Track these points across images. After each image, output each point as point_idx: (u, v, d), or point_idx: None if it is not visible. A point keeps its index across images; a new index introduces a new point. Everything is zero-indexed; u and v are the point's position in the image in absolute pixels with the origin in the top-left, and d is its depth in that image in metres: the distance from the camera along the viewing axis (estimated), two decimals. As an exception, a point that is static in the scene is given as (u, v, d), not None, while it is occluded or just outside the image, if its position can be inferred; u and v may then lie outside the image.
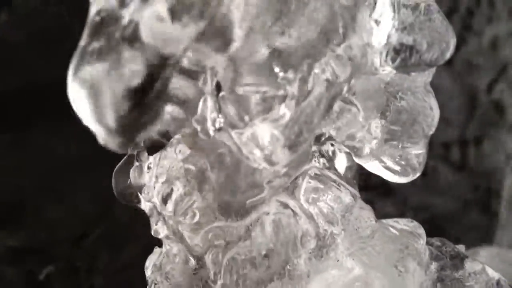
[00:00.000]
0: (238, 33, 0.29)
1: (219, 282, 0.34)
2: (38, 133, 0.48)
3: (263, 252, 0.33)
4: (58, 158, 0.48)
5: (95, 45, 0.26)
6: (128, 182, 0.36)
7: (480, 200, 0.72)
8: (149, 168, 0.35)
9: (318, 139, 0.37)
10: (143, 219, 0.38)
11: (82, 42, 0.27)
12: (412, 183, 0.71)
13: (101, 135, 0.27)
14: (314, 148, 0.37)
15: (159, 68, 0.27)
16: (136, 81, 0.26)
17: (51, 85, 0.39)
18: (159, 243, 0.38)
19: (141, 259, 0.39)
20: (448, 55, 0.31)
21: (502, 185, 0.70)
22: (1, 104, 0.46)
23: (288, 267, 0.34)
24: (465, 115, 0.69)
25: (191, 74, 0.31)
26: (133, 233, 0.43)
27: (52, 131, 0.48)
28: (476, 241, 0.68)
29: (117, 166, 0.36)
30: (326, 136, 0.37)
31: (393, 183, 0.72)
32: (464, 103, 0.69)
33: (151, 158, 0.35)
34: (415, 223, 0.39)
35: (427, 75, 0.34)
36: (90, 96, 0.27)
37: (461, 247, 0.42)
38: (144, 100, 0.27)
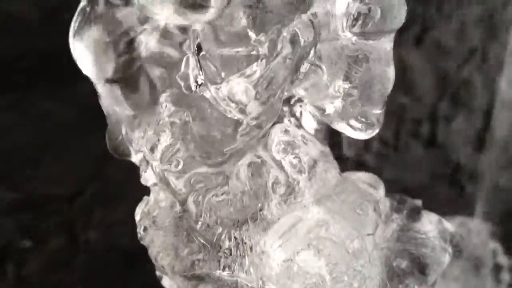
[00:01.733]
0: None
1: (200, 222, 0.38)
2: (38, 96, 0.51)
3: (239, 196, 0.38)
4: (57, 119, 0.52)
5: (92, 7, 0.31)
6: (120, 137, 0.40)
7: (449, 174, 0.76)
8: (138, 123, 0.39)
9: (289, 101, 0.42)
10: (135, 178, 0.42)
11: (81, 5, 0.31)
12: (385, 157, 0.76)
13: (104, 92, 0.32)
14: (285, 108, 0.42)
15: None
16: (128, 38, 0.31)
17: (51, 52, 0.42)
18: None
19: (132, 215, 0.43)
20: (399, 22, 0.36)
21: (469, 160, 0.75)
22: (5, 68, 0.50)
23: (260, 210, 0.39)
24: (435, 93, 0.74)
25: (175, 37, 0.36)
26: (125, 190, 0.47)
27: (51, 94, 0.52)
28: (444, 212, 0.73)
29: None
30: (296, 98, 0.42)
31: (367, 157, 0.77)
32: (434, 83, 0.73)
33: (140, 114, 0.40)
34: (376, 177, 0.44)
35: (384, 42, 0.38)
36: (90, 53, 0.32)
37: (418, 202, 0.47)
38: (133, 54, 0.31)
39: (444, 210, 0.76)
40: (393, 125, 0.71)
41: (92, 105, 0.39)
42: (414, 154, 0.74)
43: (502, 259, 0.76)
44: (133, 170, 0.42)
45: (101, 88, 0.34)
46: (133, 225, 0.42)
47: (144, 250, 0.41)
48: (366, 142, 0.70)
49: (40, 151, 0.53)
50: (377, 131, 0.41)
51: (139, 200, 0.43)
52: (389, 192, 0.45)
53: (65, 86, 0.49)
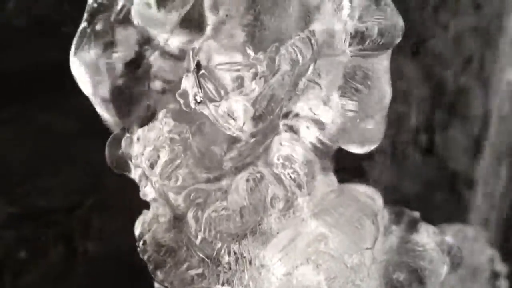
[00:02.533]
0: (211, 17, 0.33)
1: (200, 237, 0.39)
2: (38, 109, 0.52)
3: (238, 210, 0.38)
4: (56, 132, 0.53)
5: (93, 27, 0.31)
6: (120, 152, 0.41)
7: (446, 182, 0.77)
8: (138, 139, 0.40)
9: (287, 115, 0.42)
10: (133, 189, 0.42)
11: (82, 25, 0.32)
12: (383, 166, 0.76)
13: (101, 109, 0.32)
14: (284, 122, 0.42)
15: (147, 47, 0.32)
16: (127, 59, 0.31)
17: (51, 65, 0.43)
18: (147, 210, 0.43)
19: (131, 226, 0.43)
20: (396, 40, 0.36)
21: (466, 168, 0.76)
22: (6, 81, 0.50)
23: (259, 224, 0.39)
24: (432, 102, 0.74)
25: (176, 56, 0.36)
26: (123, 201, 0.48)
27: (51, 108, 0.52)
28: (442, 220, 0.73)
29: (109, 138, 0.41)
30: (294, 113, 0.42)
31: (366, 165, 0.77)
32: (431, 92, 0.74)
33: (139, 130, 0.40)
34: (373, 189, 0.44)
35: (381, 58, 0.39)
36: (88, 72, 0.32)
37: (416, 214, 0.47)
38: (134, 75, 0.32)
39: (441, 217, 0.77)
40: (391, 133, 0.71)
41: (90, 117, 0.39)
42: (411, 163, 0.75)
43: (499, 266, 0.76)
44: (132, 181, 0.42)
45: (97, 107, 0.34)
46: (131, 236, 0.42)
47: (143, 261, 0.41)
48: (364, 151, 0.71)
49: (38, 162, 0.53)
50: (376, 145, 0.42)
51: (137, 211, 0.43)
52: (386, 200, 0.46)
53: (64, 99, 0.50)
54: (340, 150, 0.55)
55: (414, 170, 0.75)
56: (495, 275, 0.76)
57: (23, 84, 0.52)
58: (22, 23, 0.51)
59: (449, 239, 0.47)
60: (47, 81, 0.52)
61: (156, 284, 0.43)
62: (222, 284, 0.39)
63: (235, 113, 0.35)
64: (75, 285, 0.57)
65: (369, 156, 0.74)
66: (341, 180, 0.44)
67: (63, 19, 0.36)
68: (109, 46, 0.31)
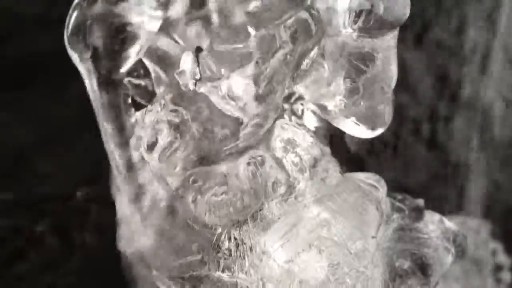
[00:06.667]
0: None
1: (199, 222, 0.38)
2: (37, 95, 0.51)
3: (238, 195, 0.37)
4: (54, 119, 0.52)
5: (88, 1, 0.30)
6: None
7: (449, 174, 0.76)
8: (136, 121, 0.39)
9: (290, 98, 0.41)
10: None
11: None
12: (385, 157, 0.75)
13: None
14: (286, 106, 0.41)
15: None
16: (126, 33, 0.30)
17: (49, 51, 0.42)
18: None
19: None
20: (404, 17, 0.35)
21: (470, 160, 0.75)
22: (2, 67, 0.49)
23: (260, 210, 0.38)
24: (435, 93, 0.73)
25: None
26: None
27: (50, 94, 0.51)
28: (445, 212, 0.72)
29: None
30: (297, 96, 0.41)
31: (367, 157, 0.76)
32: (434, 82, 0.73)
33: (138, 113, 0.39)
34: (377, 177, 0.43)
35: (387, 39, 0.37)
36: (84, 30, 0.31)
37: (420, 201, 0.46)
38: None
39: (444, 209, 0.76)
40: (393, 124, 0.70)
41: (89, 105, 0.38)
42: (414, 154, 0.74)
43: (502, 259, 0.75)
44: (131, 171, 0.41)
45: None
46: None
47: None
48: (366, 142, 0.70)
49: (36, 151, 0.52)
50: (384, 128, 0.40)
51: (136, 201, 0.42)
52: (389, 192, 0.45)
53: (63, 86, 0.49)
54: (342, 140, 0.54)
55: (416, 161, 0.74)
56: (498, 268, 0.75)
57: (21, 70, 0.51)
58: (20, 8, 0.50)
59: (454, 227, 0.46)
60: (46, 67, 0.51)
61: (153, 271, 0.41)
62: (222, 271, 0.38)
63: (236, 93, 0.34)
64: (71, 277, 0.56)
65: (370, 147, 0.73)
66: (343, 171, 0.43)
67: (63, 3, 0.35)
68: (107, 20, 0.30)
